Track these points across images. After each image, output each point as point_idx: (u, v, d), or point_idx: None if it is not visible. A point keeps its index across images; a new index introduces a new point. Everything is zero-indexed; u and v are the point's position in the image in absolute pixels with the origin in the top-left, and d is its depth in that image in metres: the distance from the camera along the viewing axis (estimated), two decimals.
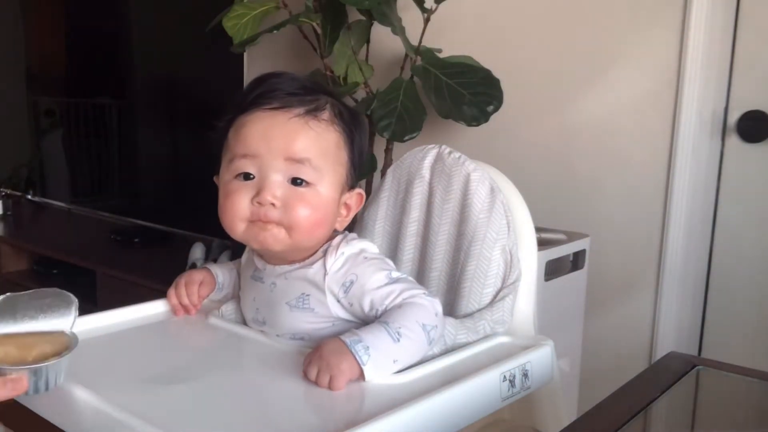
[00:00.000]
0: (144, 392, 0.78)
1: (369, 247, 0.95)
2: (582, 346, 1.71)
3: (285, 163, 0.88)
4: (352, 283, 0.90)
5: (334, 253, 0.92)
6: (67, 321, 0.75)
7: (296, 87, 0.92)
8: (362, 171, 1.00)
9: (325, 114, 0.92)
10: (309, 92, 0.92)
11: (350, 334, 0.83)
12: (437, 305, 0.88)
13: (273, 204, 0.88)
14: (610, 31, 1.70)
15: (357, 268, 0.91)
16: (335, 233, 0.97)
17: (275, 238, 0.90)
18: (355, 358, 0.80)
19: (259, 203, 0.88)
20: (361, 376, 0.80)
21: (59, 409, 0.74)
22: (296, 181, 0.89)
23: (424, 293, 0.89)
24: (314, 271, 0.93)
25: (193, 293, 1.05)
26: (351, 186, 0.96)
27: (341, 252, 0.92)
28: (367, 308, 0.89)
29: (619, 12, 1.69)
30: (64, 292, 0.77)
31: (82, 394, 0.75)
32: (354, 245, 0.93)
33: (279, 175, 0.89)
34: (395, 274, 0.91)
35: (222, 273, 1.10)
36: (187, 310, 1.05)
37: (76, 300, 0.77)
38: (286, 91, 0.91)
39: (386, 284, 0.89)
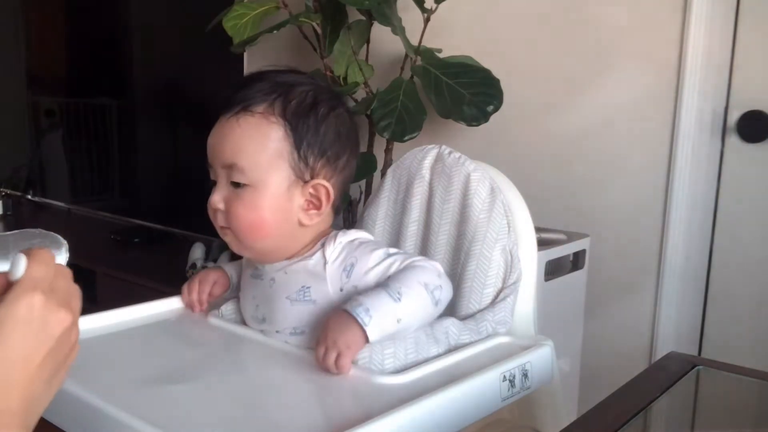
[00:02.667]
0: (144, 392, 0.78)
1: (363, 235, 0.97)
2: (582, 346, 1.71)
3: (224, 168, 0.91)
4: (352, 265, 0.92)
5: (332, 243, 0.94)
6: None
7: (256, 90, 0.91)
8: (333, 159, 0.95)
9: (261, 107, 0.90)
10: (266, 92, 0.90)
11: (351, 300, 0.86)
12: (438, 266, 0.92)
13: (219, 209, 0.92)
14: (610, 30, 1.70)
15: (355, 252, 0.93)
16: (330, 230, 0.97)
17: (232, 243, 0.94)
18: (357, 321, 0.82)
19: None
20: (366, 339, 0.83)
21: (59, 408, 0.74)
22: (236, 184, 0.91)
23: (424, 258, 0.93)
24: (314, 262, 0.94)
25: (204, 291, 1.06)
26: (310, 177, 0.92)
27: (339, 241, 0.94)
28: (373, 284, 0.90)
29: (619, 11, 1.69)
30: (52, 233, 0.75)
31: (81, 394, 0.75)
32: (350, 234, 0.96)
33: (223, 180, 0.92)
34: (392, 250, 0.94)
35: (235, 273, 1.10)
36: (192, 306, 1.06)
37: (66, 242, 0.74)
38: (241, 97, 0.91)
39: (386, 258, 0.92)
